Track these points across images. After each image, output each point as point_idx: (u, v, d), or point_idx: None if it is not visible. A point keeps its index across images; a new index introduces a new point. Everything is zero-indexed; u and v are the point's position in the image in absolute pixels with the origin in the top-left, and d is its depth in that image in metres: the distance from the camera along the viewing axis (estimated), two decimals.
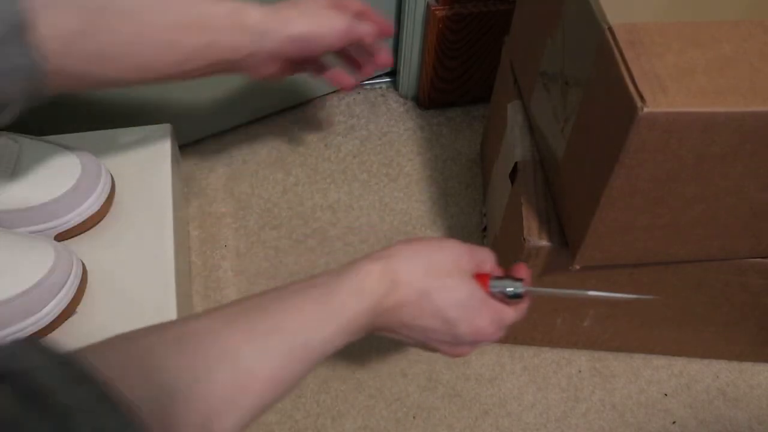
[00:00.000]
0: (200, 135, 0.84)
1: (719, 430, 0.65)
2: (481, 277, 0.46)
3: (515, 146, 0.61)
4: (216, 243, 0.76)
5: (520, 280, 0.47)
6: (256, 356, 0.33)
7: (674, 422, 0.65)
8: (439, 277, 0.41)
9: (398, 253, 0.41)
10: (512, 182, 0.61)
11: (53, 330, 0.53)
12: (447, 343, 0.44)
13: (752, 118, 0.40)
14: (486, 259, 0.47)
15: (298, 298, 0.37)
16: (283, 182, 0.82)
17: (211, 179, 0.82)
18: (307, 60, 0.56)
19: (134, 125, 0.68)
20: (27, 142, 0.58)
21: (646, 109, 0.39)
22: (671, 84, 0.40)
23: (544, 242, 0.53)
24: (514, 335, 0.68)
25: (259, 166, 0.83)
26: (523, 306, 0.48)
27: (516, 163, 0.60)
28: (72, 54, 0.40)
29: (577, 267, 0.52)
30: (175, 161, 0.68)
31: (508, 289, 0.46)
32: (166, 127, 0.68)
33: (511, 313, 0.46)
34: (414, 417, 0.64)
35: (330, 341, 0.37)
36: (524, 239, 0.54)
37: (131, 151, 0.66)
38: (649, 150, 0.41)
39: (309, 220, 0.78)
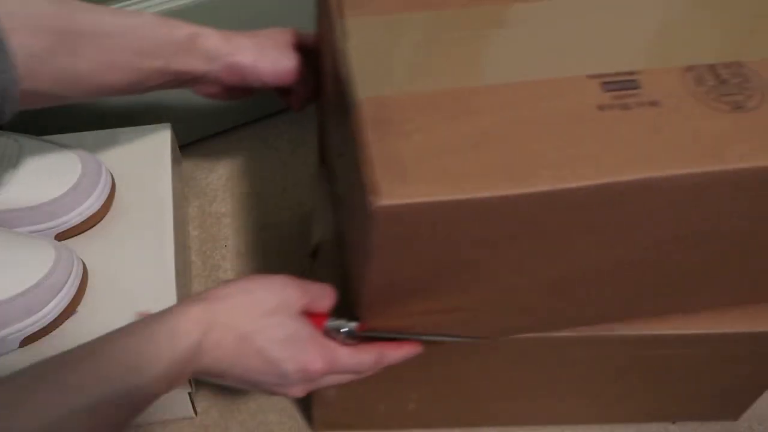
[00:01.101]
0: (200, 135, 0.84)
1: (719, 430, 0.65)
2: (316, 317, 0.44)
3: (316, 223, 0.55)
4: (216, 243, 0.76)
5: (356, 319, 0.44)
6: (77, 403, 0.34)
7: (674, 422, 0.65)
8: (262, 317, 0.40)
9: (219, 294, 0.40)
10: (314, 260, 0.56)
11: (53, 330, 0.54)
12: (276, 384, 0.42)
13: (504, 202, 0.36)
14: (322, 296, 0.45)
15: (116, 345, 0.37)
16: (283, 182, 0.82)
17: (211, 179, 0.82)
18: (246, 89, 0.55)
19: (134, 125, 0.68)
20: (27, 142, 0.58)
21: (380, 202, 0.34)
22: (413, 170, 0.36)
23: (343, 323, 0.48)
24: (332, 421, 0.62)
25: (259, 166, 0.83)
26: (367, 355, 0.44)
27: (317, 245, 0.55)
28: (39, 75, 0.41)
29: None
30: (175, 161, 0.68)
31: (342, 330, 0.44)
32: (166, 127, 0.68)
33: (345, 353, 0.43)
34: None
35: (150, 388, 0.37)
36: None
37: (131, 151, 0.66)
38: (400, 240, 0.37)
39: (309, 221, 0.78)
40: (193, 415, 0.63)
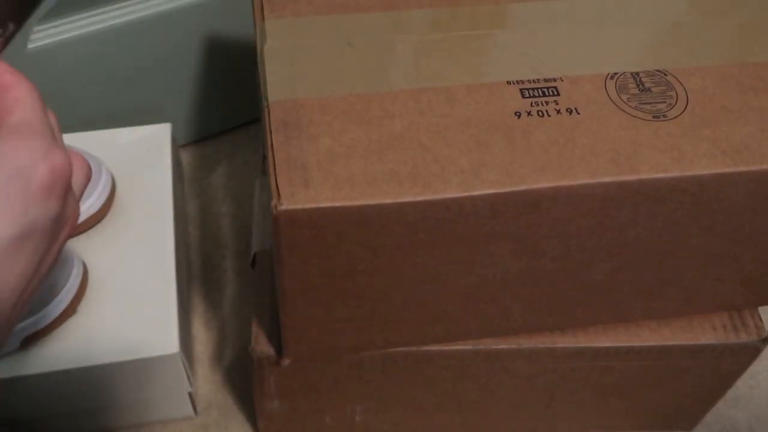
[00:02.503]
0: (200, 135, 0.84)
1: (719, 430, 0.65)
2: None
3: (255, 233, 0.54)
4: (216, 243, 0.76)
5: None
6: None
7: None
8: None
9: None
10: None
11: (53, 330, 0.54)
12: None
13: (411, 209, 0.36)
14: None
15: None
16: None
17: (211, 179, 0.82)
18: None
19: (134, 125, 0.68)
20: None
21: (281, 207, 0.34)
22: (318, 174, 0.35)
23: (272, 351, 0.47)
24: None
25: (259, 166, 0.83)
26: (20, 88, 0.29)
27: (255, 254, 0.54)
28: None
29: (287, 361, 0.47)
30: (175, 161, 0.68)
31: None
32: (166, 127, 0.68)
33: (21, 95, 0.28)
34: None
35: None
36: (251, 349, 0.49)
37: (131, 151, 0.66)
38: (307, 246, 0.37)
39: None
40: (193, 414, 0.63)
